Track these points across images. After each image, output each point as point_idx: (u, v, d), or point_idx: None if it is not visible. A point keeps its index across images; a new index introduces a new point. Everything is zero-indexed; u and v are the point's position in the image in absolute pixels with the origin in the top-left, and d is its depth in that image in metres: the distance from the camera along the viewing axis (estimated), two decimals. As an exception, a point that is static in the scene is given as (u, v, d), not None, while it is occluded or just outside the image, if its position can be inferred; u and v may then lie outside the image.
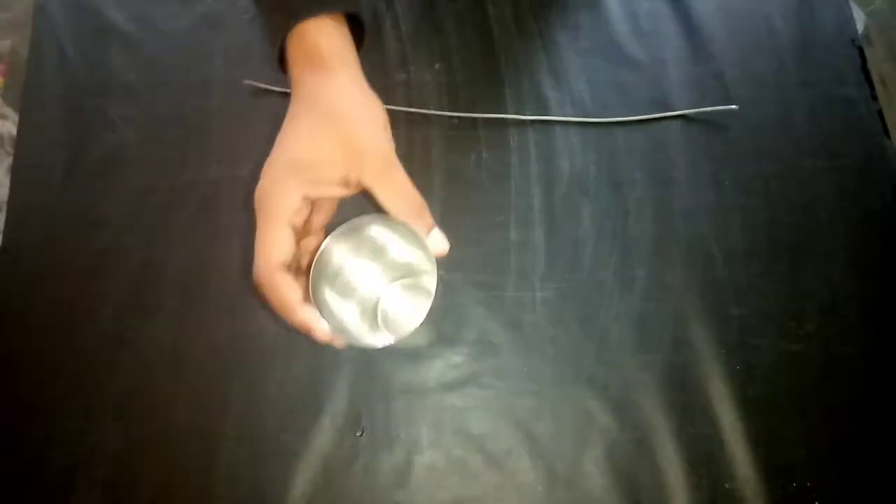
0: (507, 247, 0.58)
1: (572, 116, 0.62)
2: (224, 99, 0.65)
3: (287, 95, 0.62)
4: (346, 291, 0.45)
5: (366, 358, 0.55)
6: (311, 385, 0.55)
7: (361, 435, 0.53)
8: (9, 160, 0.65)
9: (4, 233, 0.61)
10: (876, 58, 0.66)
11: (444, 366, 0.55)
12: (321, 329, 0.39)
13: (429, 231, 0.41)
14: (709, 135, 0.62)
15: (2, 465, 0.54)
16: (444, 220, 0.58)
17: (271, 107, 0.64)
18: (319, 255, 0.40)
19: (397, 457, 0.53)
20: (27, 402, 0.55)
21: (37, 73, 0.67)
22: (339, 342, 0.40)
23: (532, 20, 0.67)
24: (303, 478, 0.52)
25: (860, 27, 0.66)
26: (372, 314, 0.50)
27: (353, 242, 0.43)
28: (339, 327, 0.40)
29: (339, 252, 0.42)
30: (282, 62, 0.43)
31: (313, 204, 0.40)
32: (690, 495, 0.51)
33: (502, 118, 0.63)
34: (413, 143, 0.62)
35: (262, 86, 0.64)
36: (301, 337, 0.55)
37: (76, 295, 0.58)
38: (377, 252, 0.46)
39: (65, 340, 0.56)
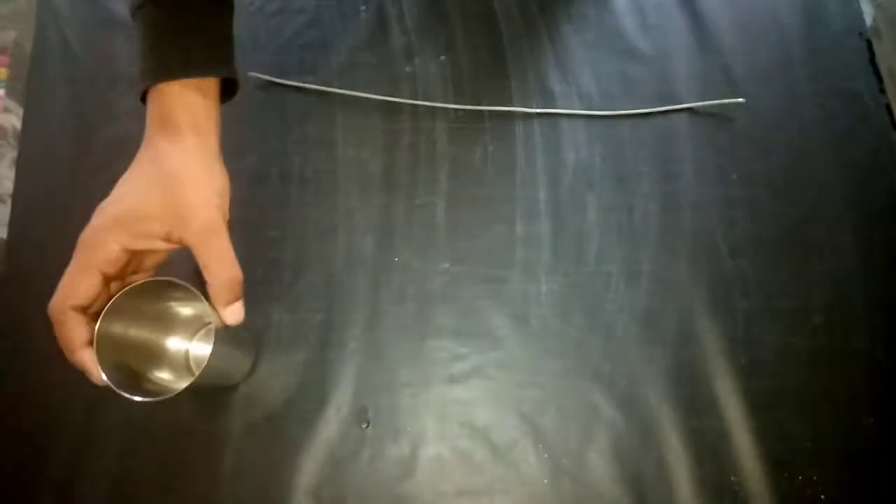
0: (512, 239, 0.58)
1: (578, 109, 0.62)
2: (229, 91, 0.64)
3: (293, 89, 0.63)
4: (145, 359, 0.48)
5: (371, 351, 0.55)
6: (316, 377, 0.55)
7: (367, 427, 0.53)
8: (13, 153, 0.65)
9: (10, 226, 0.61)
10: (884, 51, 0.66)
11: (450, 358, 0.55)
12: (94, 375, 0.40)
13: (233, 303, 0.42)
14: (715, 128, 0.61)
15: (4, 457, 0.54)
16: (450, 213, 0.59)
17: (276, 99, 0.64)
18: (100, 332, 0.41)
19: (403, 449, 0.53)
20: (30, 394, 0.55)
21: (41, 65, 0.66)
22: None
23: (538, 12, 0.66)
24: (308, 470, 0.52)
25: (868, 20, 0.66)
26: (176, 366, 0.51)
27: (131, 314, 0.44)
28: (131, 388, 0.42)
29: (120, 324, 0.44)
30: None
31: (144, 251, 0.42)
32: (696, 489, 0.51)
33: (508, 111, 0.62)
34: (418, 135, 0.62)
35: (267, 77, 0.63)
36: (306, 328, 0.56)
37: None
38: (163, 314, 0.49)
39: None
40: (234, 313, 0.43)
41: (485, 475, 0.52)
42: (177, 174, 0.41)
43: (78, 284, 0.40)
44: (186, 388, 0.42)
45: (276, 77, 0.63)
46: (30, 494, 0.52)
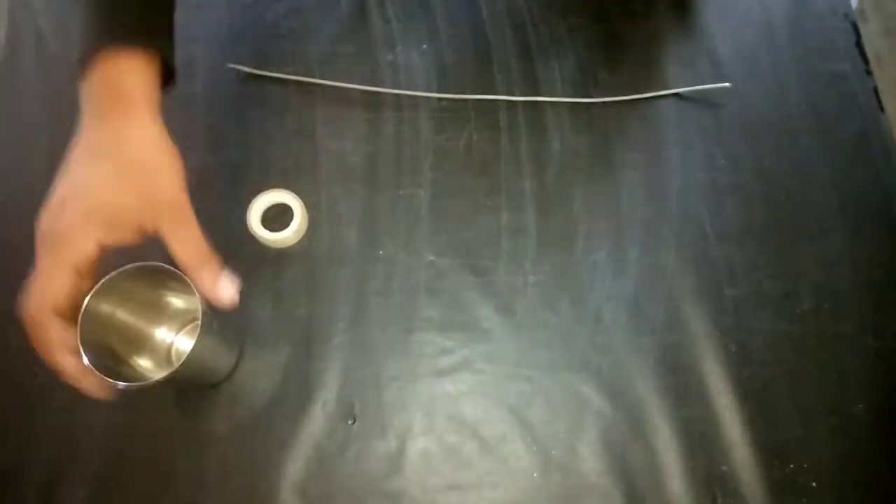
0: (498, 230, 0.57)
1: (563, 96, 0.61)
2: (208, 84, 0.63)
3: (272, 80, 0.62)
4: (129, 347, 0.48)
5: (356, 345, 0.54)
6: (301, 373, 0.54)
7: (353, 423, 0.53)
8: (-12, 149, 0.63)
9: (-16, 223, 0.60)
10: (870, 33, 0.65)
11: (436, 352, 0.54)
12: (78, 380, 0.40)
13: (215, 281, 0.41)
14: (702, 113, 0.61)
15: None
16: (434, 204, 0.58)
17: (255, 91, 0.62)
18: (86, 314, 0.41)
19: (390, 444, 0.52)
20: (10, 395, 0.54)
21: (14, 59, 0.65)
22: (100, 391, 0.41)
23: (521, -2, 0.65)
24: (295, 467, 0.51)
25: (854, 2, 0.65)
26: (158, 357, 0.51)
27: (122, 296, 0.44)
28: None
29: (107, 307, 0.44)
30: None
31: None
32: (686, 478, 0.50)
33: (492, 99, 0.61)
34: (401, 125, 0.61)
35: (246, 69, 0.62)
36: (289, 324, 0.55)
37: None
38: (149, 302, 0.49)
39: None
40: (226, 289, 0.42)
41: (474, 469, 0.51)
42: (145, 160, 0.40)
43: (54, 284, 0.38)
44: (168, 378, 0.41)
45: (254, 68, 0.62)
46: (11, 498, 0.51)
